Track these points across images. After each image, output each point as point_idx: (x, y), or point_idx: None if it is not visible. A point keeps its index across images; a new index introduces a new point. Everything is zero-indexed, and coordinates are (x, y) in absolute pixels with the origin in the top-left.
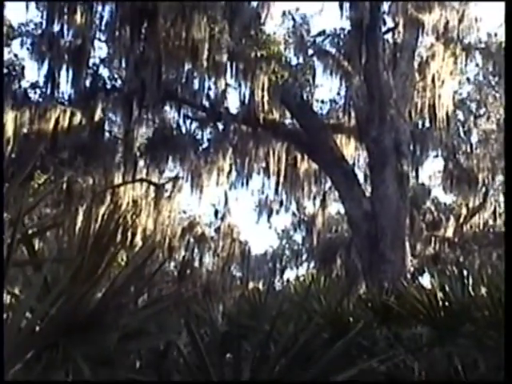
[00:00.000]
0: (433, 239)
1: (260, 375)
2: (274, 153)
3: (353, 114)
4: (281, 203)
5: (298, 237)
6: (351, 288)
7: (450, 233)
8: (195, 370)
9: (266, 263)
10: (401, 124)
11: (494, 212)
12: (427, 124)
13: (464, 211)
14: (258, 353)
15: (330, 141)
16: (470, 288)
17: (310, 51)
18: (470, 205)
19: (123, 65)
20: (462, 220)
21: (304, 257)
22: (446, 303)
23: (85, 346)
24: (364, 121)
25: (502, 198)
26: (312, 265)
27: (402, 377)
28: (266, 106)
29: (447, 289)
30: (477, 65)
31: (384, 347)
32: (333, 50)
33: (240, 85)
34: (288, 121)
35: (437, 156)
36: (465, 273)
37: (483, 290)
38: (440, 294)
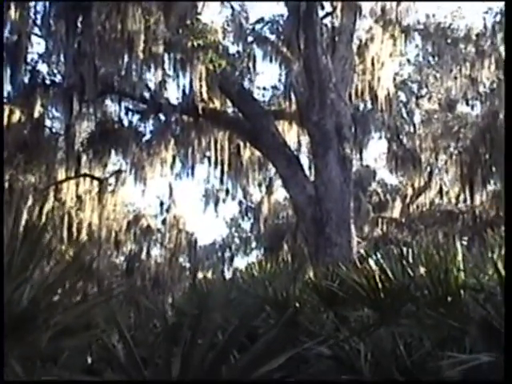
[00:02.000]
0: (380, 220)
1: (208, 364)
2: (216, 142)
3: (294, 100)
4: (227, 192)
5: (246, 225)
6: (298, 273)
7: (396, 213)
8: (127, 366)
9: (214, 252)
10: (341, 107)
11: (440, 191)
12: (369, 106)
13: (410, 191)
14: (206, 342)
15: (271, 127)
16: (410, 268)
17: (250, 39)
18: (416, 185)
19: (62, 59)
20: (408, 200)
21: (253, 244)
22: (387, 284)
23: (17, 346)
24: (305, 106)
25: (446, 177)
26: (261, 252)
27: (347, 359)
28: (205, 96)
29: (387, 270)
30: (416, 46)
31: (330, 330)
32: (272, 37)
33: (178, 75)
34: (230, 109)
35: (380, 138)
36: (405, 253)
37: (422, 270)
38: (380, 276)
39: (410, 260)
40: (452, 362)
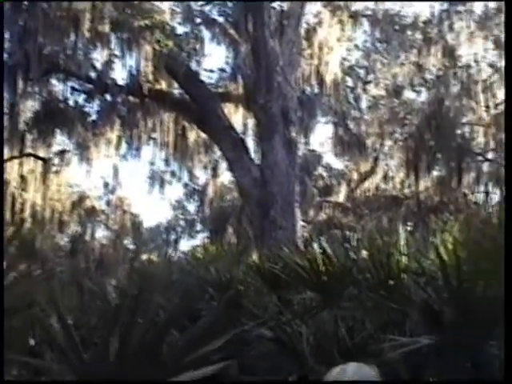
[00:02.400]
0: (325, 205)
1: (146, 344)
2: (162, 123)
3: (240, 83)
4: (172, 174)
5: (191, 207)
6: (242, 256)
7: (342, 198)
8: (66, 348)
9: (160, 235)
10: (288, 91)
11: (385, 176)
12: (316, 91)
13: (355, 176)
14: (145, 322)
15: (218, 110)
16: (353, 252)
17: (198, 20)
18: (361, 170)
19: (7, 37)
20: (353, 185)
21: (198, 227)
22: (329, 268)
23: None
24: (251, 89)
25: (391, 162)
26: (206, 234)
27: (289, 341)
28: (152, 77)
29: (330, 253)
30: (364, 32)
31: (273, 313)
32: (220, 19)
33: (125, 55)
34: (176, 91)
35: (327, 122)
36: (349, 237)
37: (365, 254)
38: (323, 259)
39: (354, 244)
40: (393, 344)
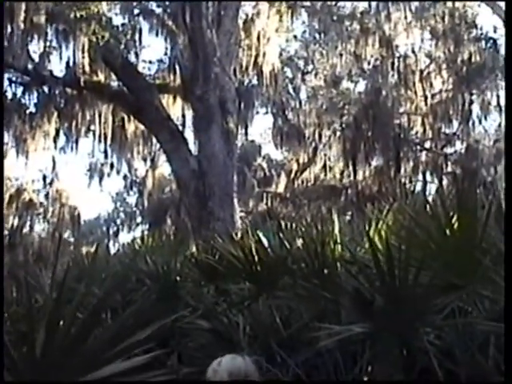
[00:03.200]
0: (265, 195)
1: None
2: (100, 115)
3: (178, 74)
4: (111, 166)
5: (131, 199)
6: (180, 247)
7: (281, 188)
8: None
9: (99, 227)
10: (226, 82)
11: (324, 167)
12: (255, 82)
13: (295, 167)
14: (69, 314)
15: (155, 101)
16: (287, 241)
17: (136, 11)
18: (301, 160)
19: None
20: (292, 175)
21: (138, 219)
22: (263, 257)
23: None
24: (189, 79)
25: (330, 153)
26: (146, 227)
27: (226, 332)
28: (89, 68)
29: (264, 243)
30: (303, 22)
31: (209, 304)
32: (158, 10)
33: (61, 47)
34: (114, 83)
35: (266, 113)
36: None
37: (300, 243)
38: (257, 249)
39: (289, 234)
40: (328, 332)
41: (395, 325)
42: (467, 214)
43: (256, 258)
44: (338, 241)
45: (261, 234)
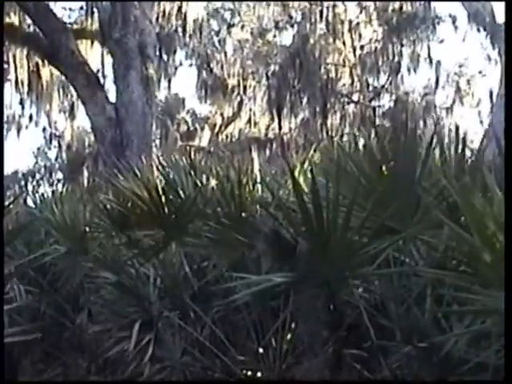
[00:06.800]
0: (188, 149)
1: None
2: (15, 60)
3: (96, 17)
4: (30, 118)
5: (52, 153)
6: (92, 196)
7: (205, 142)
8: None
9: (17, 182)
10: (146, 25)
11: (249, 120)
12: (179, 31)
13: (219, 121)
14: None
15: (71, 45)
16: (199, 181)
17: None
18: (225, 114)
19: None
20: (217, 129)
21: (59, 174)
22: (172, 198)
23: None
24: (107, 23)
25: (255, 105)
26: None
27: (134, 286)
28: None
29: (171, 182)
30: None
31: (115, 256)
32: None
33: None
34: (31, 28)
35: (191, 65)
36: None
37: (214, 183)
38: (163, 189)
39: (203, 173)
40: (246, 282)
41: (321, 274)
42: (405, 149)
43: (163, 198)
44: (258, 180)
45: (170, 171)
